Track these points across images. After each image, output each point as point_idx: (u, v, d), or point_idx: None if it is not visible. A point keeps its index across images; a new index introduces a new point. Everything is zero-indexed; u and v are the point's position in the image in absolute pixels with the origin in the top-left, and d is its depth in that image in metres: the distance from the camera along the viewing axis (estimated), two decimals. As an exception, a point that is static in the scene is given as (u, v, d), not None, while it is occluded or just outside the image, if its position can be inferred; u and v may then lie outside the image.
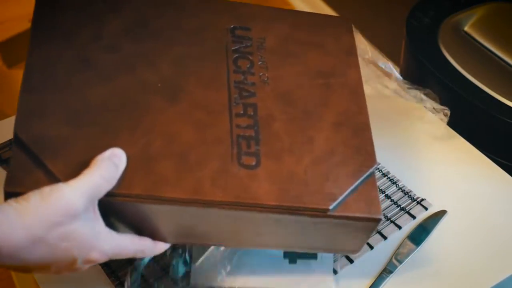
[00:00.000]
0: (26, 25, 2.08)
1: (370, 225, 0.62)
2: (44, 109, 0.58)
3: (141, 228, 0.59)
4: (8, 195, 0.53)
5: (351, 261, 0.76)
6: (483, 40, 1.12)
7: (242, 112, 0.63)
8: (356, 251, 0.67)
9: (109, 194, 0.55)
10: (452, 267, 0.76)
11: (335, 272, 0.75)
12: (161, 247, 0.62)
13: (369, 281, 0.74)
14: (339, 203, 0.60)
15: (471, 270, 0.75)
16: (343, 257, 0.76)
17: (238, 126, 0.62)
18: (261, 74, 0.67)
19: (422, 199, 0.82)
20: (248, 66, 0.67)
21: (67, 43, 0.63)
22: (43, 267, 0.55)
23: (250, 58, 0.68)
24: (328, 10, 2.11)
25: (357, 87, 0.69)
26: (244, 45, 0.69)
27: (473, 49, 1.12)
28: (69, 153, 0.56)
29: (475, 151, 0.89)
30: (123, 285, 0.74)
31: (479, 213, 0.81)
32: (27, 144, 0.56)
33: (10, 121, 0.95)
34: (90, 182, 0.54)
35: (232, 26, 0.70)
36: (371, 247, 0.77)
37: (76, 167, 0.55)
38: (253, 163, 0.60)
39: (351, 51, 0.72)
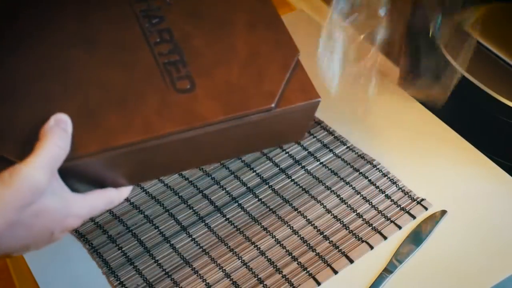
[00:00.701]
0: (26, 25, 2.08)
1: (311, 109, 0.64)
2: None
3: (101, 182, 0.60)
4: None
5: (351, 261, 0.76)
6: (483, 40, 1.12)
7: (159, 40, 0.63)
8: (302, 138, 0.70)
9: (66, 160, 0.55)
10: (452, 267, 0.76)
11: (335, 272, 0.75)
12: (125, 192, 0.62)
13: (369, 281, 0.74)
14: (278, 99, 0.62)
15: (471, 270, 0.75)
16: (343, 256, 0.76)
17: (160, 54, 0.62)
18: None
19: (422, 199, 0.82)
20: None
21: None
22: (23, 247, 0.56)
23: None
24: (328, 10, 2.11)
25: None
26: None
27: (473, 49, 1.12)
28: (12, 132, 0.55)
29: (475, 151, 0.89)
30: (123, 285, 0.74)
31: (479, 213, 0.81)
32: None
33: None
34: (46, 154, 0.53)
35: None
36: (371, 247, 0.77)
37: (26, 144, 0.54)
38: (188, 86, 0.61)
39: None
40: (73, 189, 0.58)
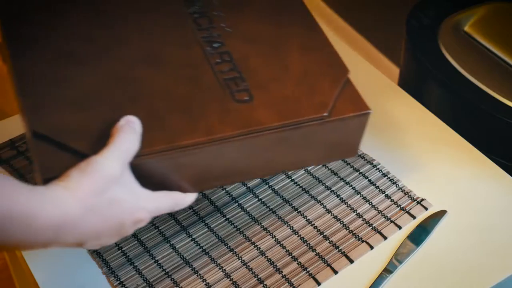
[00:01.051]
0: (26, 25, 2.08)
1: (362, 121, 0.69)
2: (48, 104, 0.63)
3: (167, 186, 0.65)
4: (46, 182, 0.57)
5: (351, 261, 0.76)
6: (483, 40, 1.12)
7: (219, 60, 0.70)
8: (354, 154, 0.74)
9: (136, 155, 0.60)
10: (452, 267, 0.76)
11: (335, 272, 0.75)
12: (190, 197, 0.67)
13: (369, 281, 0.74)
14: (331, 109, 0.67)
15: (471, 270, 0.75)
16: (343, 256, 0.76)
17: (221, 72, 0.69)
18: (222, 25, 0.74)
19: (422, 199, 0.82)
20: (208, 22, 0.75)
21: (42, 45, 0.68)
22: (96, 236, 0.59)
23: (207, 15, 0.75)
24: (328, 11, 2.11)
25: (305, 15, 0.78)
26: (197, 6, 0.76)
27: (473, 49, 1.12)
28: (86, 132, 0.62)
29: (475, 151, 0.89)
30: (123, 285, 0.74)
31: (479, 213, 0.81)
32: (47, 135, 0.61)
33: (10, 121, 0.95)
34: (118, 147, 0.59)
35: None
36: (371, 247, 0.77)
37: (98, 141, 0.60)
38: (247, 98, 0.67)
39: None
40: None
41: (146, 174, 0.62)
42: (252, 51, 0.72)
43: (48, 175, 0.58)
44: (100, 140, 0.60)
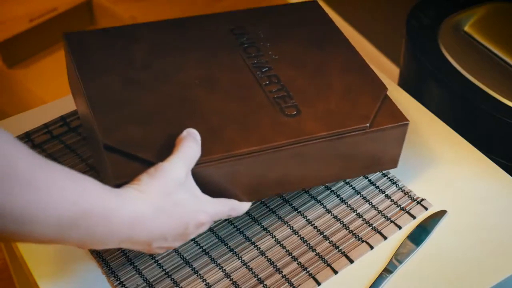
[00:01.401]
0: (26, 25, 2.08)
1: (401, 131, 0.77)
2: (116, 121, 0.72)
3: (223, 192, 0.71)
4: (118, 187, 0.64)
5: (351, 261, 0.76)
6: (483, 40, 1.12)
7: (268, 82, 0.78)
8: (395, 164, 0.81)
9: (196, 164, 0.68)
10: (452, 267, 0.76)
11: (335, 272, 0.75)
12: (246, 206, 0.73)
13: (369, 281, 0.74)
14: (372, 121, 0.75)
15: (471, 270, 0.75)
16: (343, 256, 0.76)
17: (270, 92, 0.77)
18: (269, 53, 0.83)
19: (422, 199, 0.83)
20: (256, 51, 0.83)
21: (109, 72, 0.77)
22: (163, 236, 0.64)
23: (255, 45, 0.84)
24: (328, 11, 2.11)
25: (343, 41, 0.87)
26: (245, 38, 0.85)
27: (473, 49, 1.12)
28: (150, 143, 0.70)
29: (475, 151, 0.89)
30: (123, 285, 0.74)
31: (479, 213, 0.81)
32: (116, 147, 0.69)
33: (11, 121, 0.95)
34: (183, 155, 0.66)
35: (230, 28, 0.86)
36: (371, 247, 0.77)
37: (162, 151, 0.68)
38: (295, 112, 0.75)
39: (326, 19, 0.91)
40: None
41: (206, 181, 0.69)
42: (297, 74, 0.80)
43: (120, 181, 0.66)
44: (163, 150, 0.68)
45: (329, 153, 0.75)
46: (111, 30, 0.83)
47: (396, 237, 0.79)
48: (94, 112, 0.73)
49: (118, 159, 0.69)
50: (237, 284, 0.74)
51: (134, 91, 0.76)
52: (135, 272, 0.75)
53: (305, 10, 0.92)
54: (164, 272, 0.75)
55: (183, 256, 0.77)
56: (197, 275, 0.75)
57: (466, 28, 1.15)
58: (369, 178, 0.85)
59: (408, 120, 0.76)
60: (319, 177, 0.78)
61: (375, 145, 0.77)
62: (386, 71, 1.82)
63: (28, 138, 0.90)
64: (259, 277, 0.75)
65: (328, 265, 0.76)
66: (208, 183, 0.69)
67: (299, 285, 0.74)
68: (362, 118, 0.75)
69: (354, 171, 0.80)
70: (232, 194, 0.72)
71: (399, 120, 0.76)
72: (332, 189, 0.84)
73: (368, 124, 0.75)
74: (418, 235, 0.79)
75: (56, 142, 0.90)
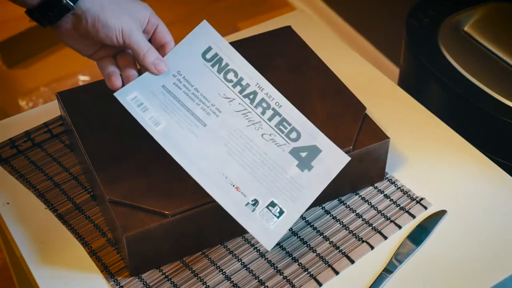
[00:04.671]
0: (26, 25, 2.08)
1: (383, 148, 0.82)
2: (117, 174, 0.76)
3: None
4: (128, 239, 0.71)
5: (351, 261, 0.76)
6: (483, 40, 1.12)
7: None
8: (382, 177, 0.85)
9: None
10: (452, 267, 0.76)
11: (336, 272, 0.75)
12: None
13: (369, 281, 0.74)
14: (355, 143, 0.80)
15: (471, 270, 0.75)
16: (344, 257, 0.76)
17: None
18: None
19: (422, 199, 0.82)
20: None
21: (104, 126, 0.82)
22: None
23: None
24: (328, 11, 2.11)
25: (321, 66, 0.91)
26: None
27: (473, 49, 1.12)
28: (153, 192, 0.74)
29: (475, 151, 0.89)
30: (122, 286, 0.74)
31: (479, 213, 0.81)
32: (120, 201, 0.73)
33: (11, 121, 0.95)
34: None
35: None
36: (372, 247, 0.77)
37: (166, 199, 0.73)
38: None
39: (301, 45, 0.94)
40: None
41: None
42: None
43: (128, 233, 0.71)
44: (165, 198, 0.73)
45: None
46: (101, 83, 0.83)
47: (396, 237, 0.79)
48: (96, 169, 0.76)
49: (124, 211, 0.73)
50: (238, 286, 0.74)
51: (129, 142, 0.80)
52: (134, 276, 0.75)
53: (281, 37, 0.96)
54: (164, 276, 0.75)
55: (182, 259, 0.77)
56: (197, 278, 0.75)
57: (466, 28, 1.15)
58: (369, 179, 0.85)
59: (389, 137, 0.81)
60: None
61: (361, 164, 0.81)
62: (386, 71, 1.82)
63: (28, 137, 0.90)
64: (260, 278, 0.75)
65: (329, 265, 0.76)
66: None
67: (301, 286, 0.74)
68: (345, 141, 0.79)
69: (344, 190, 0.83)
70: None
71: (380, 138, 0.81)
72: (332, 189, 0.84)
73: (351, 147, 0.79)
74: (418, 235, 0.79)
75: (56, 141, 0.90)
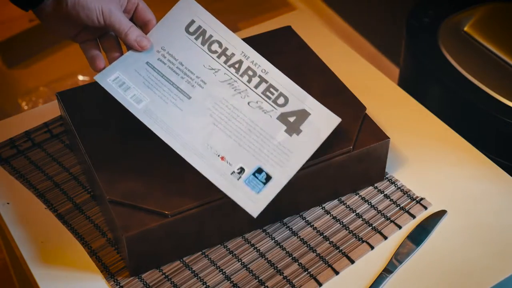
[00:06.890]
0: (26, 25, 2.08)
1: (383, 148, 0.81)
2: (116, 174, 0.76)
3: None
4: (128, 239, 0.71)
5: (351, 261, 0.76)
6: (483, 40, 1.12)
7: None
8: (382, 177, 0.85)
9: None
10: (452, 267, 0.76)
11: (336, 272, 0.75)
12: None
13: (369, 281, 0.74)
14: (355, 143, 0.79)
15: (471, 270, 0.75)
16: (344, 257, 0.76)
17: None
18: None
19: (422, 198, 0.82)
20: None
21: (104, 126, 0.81)
22: None
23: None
24: (328, 11, 2.11)
25: (321, 66, 0.91)
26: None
27: (473, 49, 1.12)
28: (153, 193, 0.74)
29: (475, 151, 0.89)
30: (122, 286, 0.74)
31: (479, 213, 0.81)
32: (120, 201, 0.73)
33: (11, 121, 0.95)
34: None
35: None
36: (372, 247, 0.77)
37: (165, 199, 0.73)
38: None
39: (303, 45, 0.94)
40: None
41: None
42: None
43: (128, 233, 0.70)
44: (164, 198, 0.73)
45: (318, 178, 0.79)
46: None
47: (396, 237, 0.79)
48: (96, 169, 0.76)
49: (124, 211, 0.73)
50: (238, 286, 0.74)
51: (129, 142, 0.79)
52: (134, 276, 0.75)
53: (281, 37, 0.96)
54: (164, 276, 0.75)
55: (182, 259, 0.77)
56: (197, 278, 0.75)
57: (466, 28, 1.15)
58: (369, 179, 0.85)
59: (389, 137, 0.81)
60: (312, 201, 0.82)
61: (361, 164, 0.81)
62: (386, 71, 1.82)
63: (28, 137, 0.90)
64: (260, 278, 0.75)
65: (329, 265, 0.76)
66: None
67: (301, 286, 0.74)
68: (346, 141, 0.79)
69: (344, 190, 0.83)
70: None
71: (380, 138, 0.80)
72: (332, 189, 0.84)
73: (351, 147, 0.78)
74: (418, 235, 0.79)
75: (56, 141, 0.90)
